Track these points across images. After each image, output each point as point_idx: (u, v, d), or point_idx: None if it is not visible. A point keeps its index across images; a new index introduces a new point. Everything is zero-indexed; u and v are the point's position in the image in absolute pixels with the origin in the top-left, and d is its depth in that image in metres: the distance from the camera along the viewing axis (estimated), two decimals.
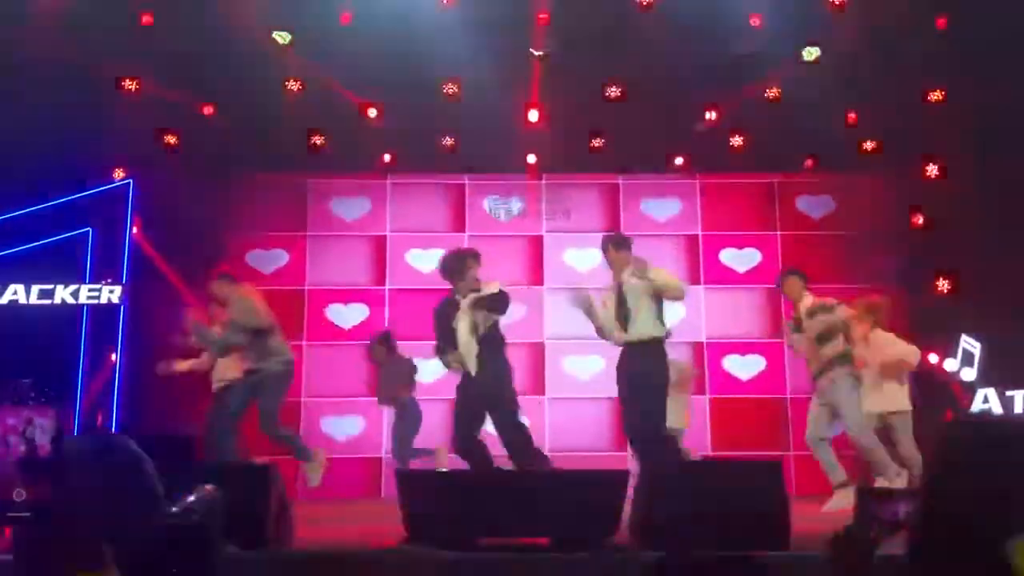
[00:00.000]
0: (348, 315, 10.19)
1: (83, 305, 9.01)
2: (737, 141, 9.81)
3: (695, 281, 10.17)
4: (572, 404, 9.98)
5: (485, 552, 4.31)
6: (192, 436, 8.96)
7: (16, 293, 8.76)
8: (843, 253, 10.09)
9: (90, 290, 8.83)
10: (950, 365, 8.96)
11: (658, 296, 6.24)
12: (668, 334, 6.33)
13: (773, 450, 9.46)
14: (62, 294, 8.82)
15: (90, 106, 8.27)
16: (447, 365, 6.32)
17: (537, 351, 10.02)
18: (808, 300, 7.12)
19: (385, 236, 10.39)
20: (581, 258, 10.26)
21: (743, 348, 10.24)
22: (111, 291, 8.92)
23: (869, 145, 9.72)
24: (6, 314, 8.73)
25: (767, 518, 4.47)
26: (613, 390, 6.56)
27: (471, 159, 10.03)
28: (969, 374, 8.85)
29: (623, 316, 6.28)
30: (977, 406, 8.26)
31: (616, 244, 6.55)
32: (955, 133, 8.91)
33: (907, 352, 7.40)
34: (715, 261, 10.43)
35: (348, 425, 9.98)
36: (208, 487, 1.96)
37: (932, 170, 9.79)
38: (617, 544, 4.58)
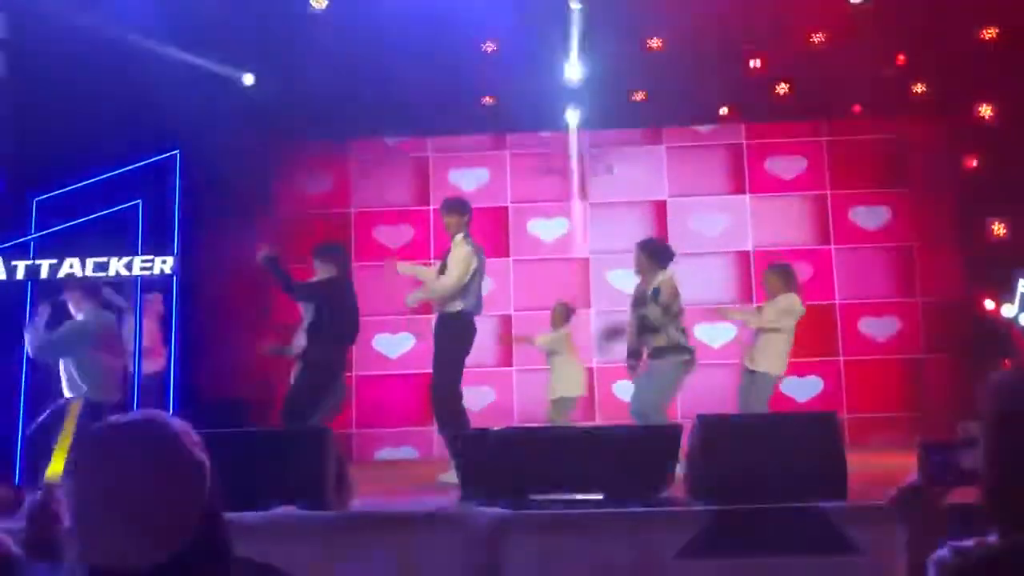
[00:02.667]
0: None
1: (137, 277, 9.17)
2: (782, 89, 9.63)
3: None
4: None
5: (538, 508, 4.35)
6: (246, 402, 9.17)
7: (72, 267, 8.93)
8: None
9: (143, 261, 8.97)
10: (1007, 310, 8.78)
11: None
12: None
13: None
14: (116, 266, 8.97)
15: (136, 79, 8.34)
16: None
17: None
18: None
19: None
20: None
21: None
22: (163, 262, 9.05)
23: (919, 88, 9.47)
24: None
25: (823, 469, 4.45)
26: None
27: (510, 119, 9.96)
28: None
29: None
30: None
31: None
32: (1009, 73, 8.64)
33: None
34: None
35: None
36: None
37: (986, 111, 9.52)
38: (672, 498, 4.59)
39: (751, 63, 9.22)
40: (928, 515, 1.65)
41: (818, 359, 9.80)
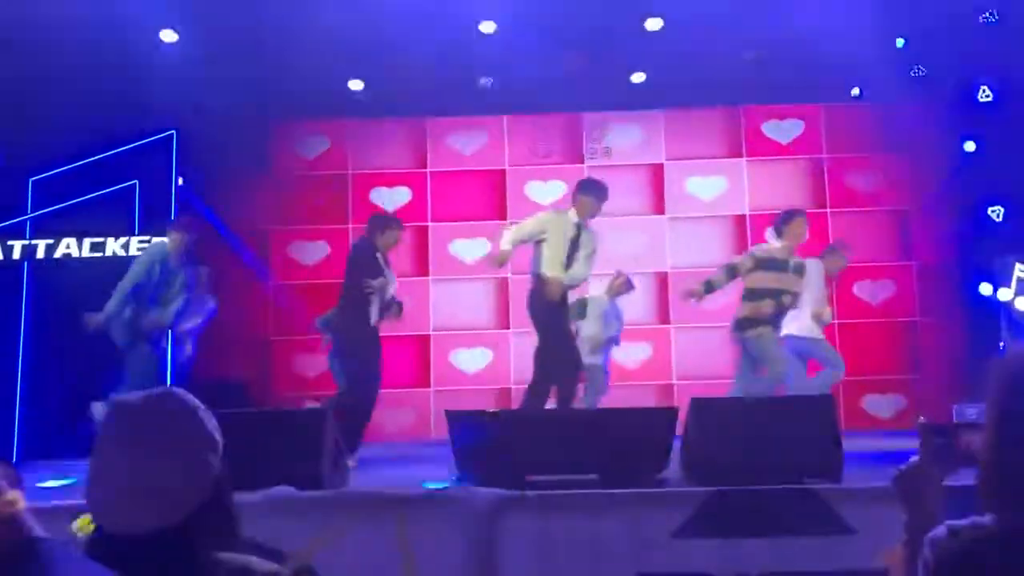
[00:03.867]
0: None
1: (134, 257, 9.16)
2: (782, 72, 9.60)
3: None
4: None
5: (535, 489, 4.37)
6: (244, 382, 9.19)
7: (69, 247, 8.93)
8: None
9: (140, 241, 8.97)
10: (1004, 294, 8.81)
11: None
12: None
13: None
14: (113, 247, 8.97)
15: (132, 58, 8.29)
16: None
17: None
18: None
19: (427, 226, 10.36)
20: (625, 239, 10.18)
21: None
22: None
23: (917, 70, 9.44)
24: (60, 267, 8.91)
25: (819, 451, 4.47)
26: None
27: (510, 100, 9.92)
28: None
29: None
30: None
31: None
32: (1008, 56, 8.63)
33: None
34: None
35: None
36: None
37: (985, 93, 9.51)
38: (667, 479, 4.62)
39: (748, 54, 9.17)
40: (927, 496, 1.66)
41: None
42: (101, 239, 8.96)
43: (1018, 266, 8.74)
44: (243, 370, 9.40)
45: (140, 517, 1.46)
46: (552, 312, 6.29)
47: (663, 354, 9.98)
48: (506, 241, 6.47)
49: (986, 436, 1.44)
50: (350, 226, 10.08)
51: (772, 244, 6.86)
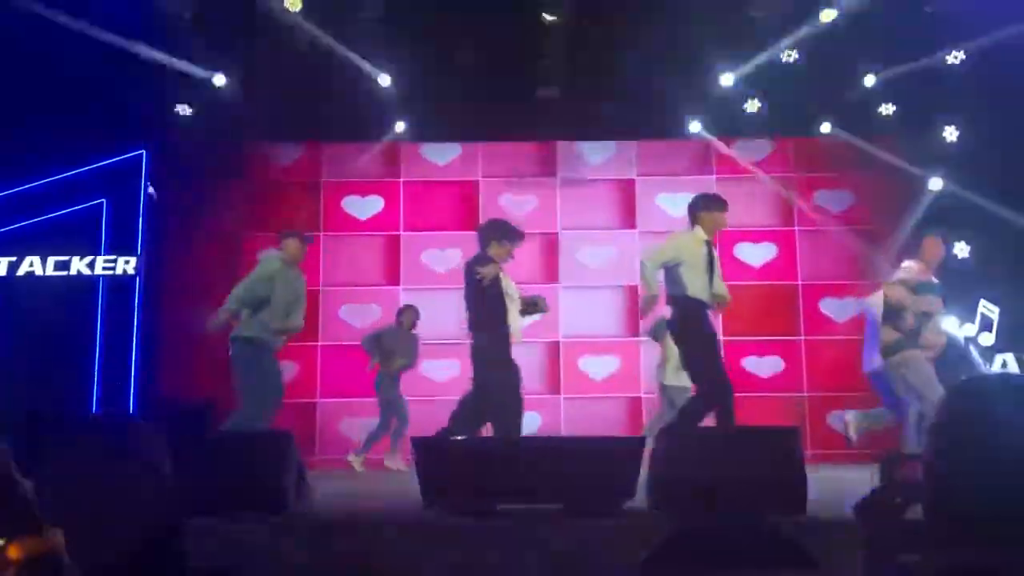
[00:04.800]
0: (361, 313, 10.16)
1: (99, 276, 9.06)
2: (754, 105, 9.74)
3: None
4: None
5: (501, 519, 4.33)
6: (208, 405, 9.06)
7: (32, 265, 8.81)
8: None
9: (106, 261, 8.87)
10: (968, 330, 8.92)
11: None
12: None
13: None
14: (78, 265, 8.87)
15: (104, 77, 8.25)
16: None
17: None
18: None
19: (399, 235, 10.30)
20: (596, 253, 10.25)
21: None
22: (126, 262, 8.95)
23: (886, 109, 9.62)
24: (24, 286, 8.78)
25: (784, 483, 4.47)
26: None
27: (485, 126, 9.96)
28: (987, 339, 8.81)
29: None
30: (995, 370, 8.22)
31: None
32: (973, 95, 8.80)
33: None
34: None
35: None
36: None
37: (950, 133, 9.68)
38: (633, 510, 4.60)
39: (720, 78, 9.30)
40: (887, 529, 1.66)
41: (780, 338, 9.94)
42: (66, 258, 8.86)
43: (983, 303, 8.87)
44: (210, 392, 9.26)
45: (78, 550, 1.41)
46: (706, 335, 6.12)
47: (631, 367, 10.02)
48: (651, 277, 6.00)
49: (923, 468, 1.43)
50: (322, 234, 10.07)
51: (912, 266, 6.68)
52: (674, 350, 7.60)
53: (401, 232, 10.29)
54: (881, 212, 10.07)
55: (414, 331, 8.90)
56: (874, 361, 7.05)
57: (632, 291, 10.12)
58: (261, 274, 6.60)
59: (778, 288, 10.09)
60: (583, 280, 10.17)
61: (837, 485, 5.91)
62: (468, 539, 4.08)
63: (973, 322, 8.90)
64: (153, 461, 1.52)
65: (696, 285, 5.93)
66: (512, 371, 6.20)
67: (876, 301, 7.19)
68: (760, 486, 4.39)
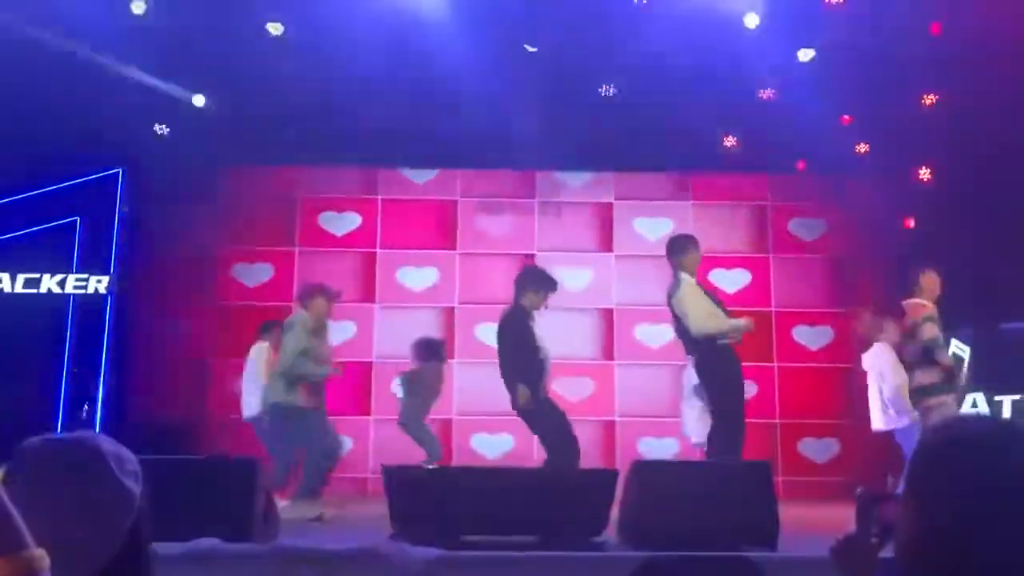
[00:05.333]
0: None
1: (70, 295, 8.95)
2: (730, 141, 9.83)
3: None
4: None
5: (471, 550, 4.28)
6: (179, 427, 8.95)
7: (1, 281, 8.69)
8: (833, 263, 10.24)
9: (77, 280, 8.77)
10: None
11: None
12: None
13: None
14: (48, 283, 8.75)
15: (80, 95, 8.19)
16: None
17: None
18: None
19: (375, 252, 10.29)
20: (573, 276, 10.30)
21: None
22: (98, 281, 8.86)
23: (862, 148, 9.74)
24: None
25: (755, 518, 4.46)
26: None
27: (464, 156, 10.00)
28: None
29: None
30: (965, 410, 8.27)
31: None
32: (947, 137, 8.93)
33: None
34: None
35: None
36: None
37: (924, 174, 9.80)
38: (605, 542, 4.56)
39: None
40: (863, 567, 1.65)
41: (753, 364, 9.93)
42: (36, 275, 8.75)
43: (954, 342, 8.94)
44: (179, 414, 9.15)
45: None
46: (737, 375, 6.15)
47: (606, 390, 10.02)
48: (723, 322, 6.08)
49: (902, 509, 1.42)
50: (296, 249, 10.06)
51: (919, 302, 6.53)
52: None
53: (377, 249, 10.26)
54: (855, 240, 10.19)
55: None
56: (899, 421, 6.96)
57: (607, 314, 10.17)
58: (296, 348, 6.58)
59: (752, 315, 10.13)
60: (559, 303, 10.12)
61: (809, 520, 5.91)
62: (435, 571, 4.03)
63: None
64: (120, 482, 1.49)
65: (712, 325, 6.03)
66: (560, 411, 6.33)
67: (877, 357, 7.19)
68: (732, 521, 4.38)
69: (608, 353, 10.10)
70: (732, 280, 10.25)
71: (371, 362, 9.92)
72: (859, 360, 7.91)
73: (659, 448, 9.85)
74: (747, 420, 6.10)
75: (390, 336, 9.90)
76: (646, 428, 9.92)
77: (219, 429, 9.40)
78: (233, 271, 10.06)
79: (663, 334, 9.67)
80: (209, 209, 9.62)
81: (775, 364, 10.09)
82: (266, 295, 9.88)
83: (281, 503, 5.72)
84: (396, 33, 7.99)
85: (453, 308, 10.09)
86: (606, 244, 10.42)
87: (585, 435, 9.67)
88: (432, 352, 8.43)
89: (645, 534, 4.40)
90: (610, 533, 4.66)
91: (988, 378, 8.64)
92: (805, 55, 8.70)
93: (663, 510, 4.47)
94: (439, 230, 10.32)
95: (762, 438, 9.52)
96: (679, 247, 6.24)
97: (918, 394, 6.39)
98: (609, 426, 9.93)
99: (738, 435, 5.88)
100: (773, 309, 10.21)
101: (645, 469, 4.75)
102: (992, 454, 1.36)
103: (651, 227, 10.42)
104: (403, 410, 8.12)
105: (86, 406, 8.63)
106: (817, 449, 9.99)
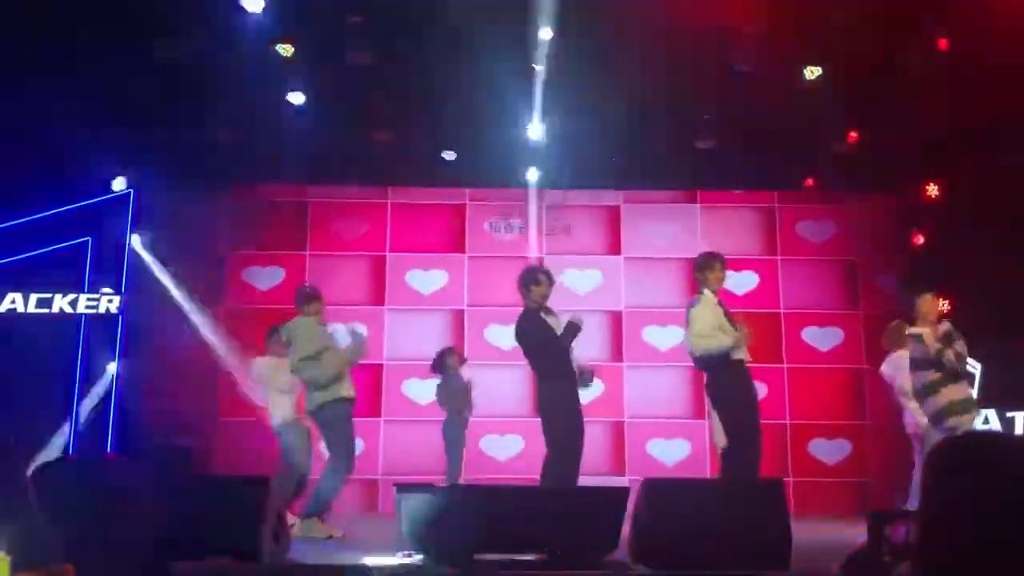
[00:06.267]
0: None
1: (81, 315, 8.99)
2: (737, 159, 9.84)
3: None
4: None
5: (483, 569, 4.27)
6: (190, 447, 8.96)
7: (14, 302, 8.73)
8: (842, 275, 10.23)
9: (89, 299, 8.80)
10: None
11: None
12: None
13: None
14: (60, 303, 8.80)
15: (91, 115, 8.24)
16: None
17: None
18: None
19: (384, 255, 10.36)
20: (581, 278, 10.29)
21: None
22: (110, 301, 8.89)
23: (870, 165, 9.73)
24: (4, 323, 8.70)
25: (768, 537, 4.44)
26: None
27: (471, 176, 10.05)
28: None
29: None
30: (977, 427, 8.22)
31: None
32: (956, 154, 8.92)
33: None
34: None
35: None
36: None
37: (933, 190, 9.79)
38: (616, 562, 4.55)
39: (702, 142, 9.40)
40: None
41: (762, 366, 9.90)
42: (48, 295, 8.79)
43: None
44: (187, 434, 9.15)
45: None
46: (751, 396, 6.08)
47: (615, 391, 10.02)
48: (724, 340, 5.96)
49: (917, 527, 1.42)
50: (307, 253, 10.17)
51: (925, 329, 6.40)
52: None
53: (387, 253, 10.33)
54: (864, 242, 10.22)
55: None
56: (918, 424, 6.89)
57: (616, 316, 10.22)
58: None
59: (761, 316, 10.14)
60: (568, 304, 10.11)
61: (822, 539, 5.88)
62: None
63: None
64: (142, 500, 1.52)
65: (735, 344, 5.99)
66: (580, 418, 6.14)
67: (894, 363, 7.15)
68: (743, 541, 4.36)
69: (617, 355, 10.12)
70: (741, 282, 10.25)
71: (381, 364, 10.00)
72: (869, 360, 7.85)
73: (668, 449, 9.91)
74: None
75: (400, 338, 10.02)
76: (656, 429, 9.94)
77: (225, 453, 9.42)
78: (245, 274, 10.14)
79: (672, 336, 9.77)
80: (221, 215, 9.72)
81: (784, 365, 10.09)
82: (278, 298, 9.94)
83: (290, 519, 5.70)
84: (401, 51, 8.03)
85: (463, 311, 10.16)
86: (614, 247, 10.44)
87: (595, 436, 9.75)
88: (438, 365, 8.52)
89: (657, 553, 4.38)
90: (622, 552, 4.63)
91: (1000, 394, 8.60)
92: (811, 73, 8.69)
93: (675, 529, 4.45)
94: (448, 233, 10.40)
95: (772, 439, 9.46)
96: (704, 263, 6.25)
97: (918, 393, 6.36)
98: (618, 427, 9.95)
99: (753, 454, 5.85)
100: (782, 311, 10.20)
101: (656, 487, 4.73)
102: (1007, 469, 1.36)
103: (659, 230, 10.47)
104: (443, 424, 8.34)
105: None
106: (828, 450, 10.00)
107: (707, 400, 6.68)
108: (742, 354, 6.00)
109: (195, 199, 9.32)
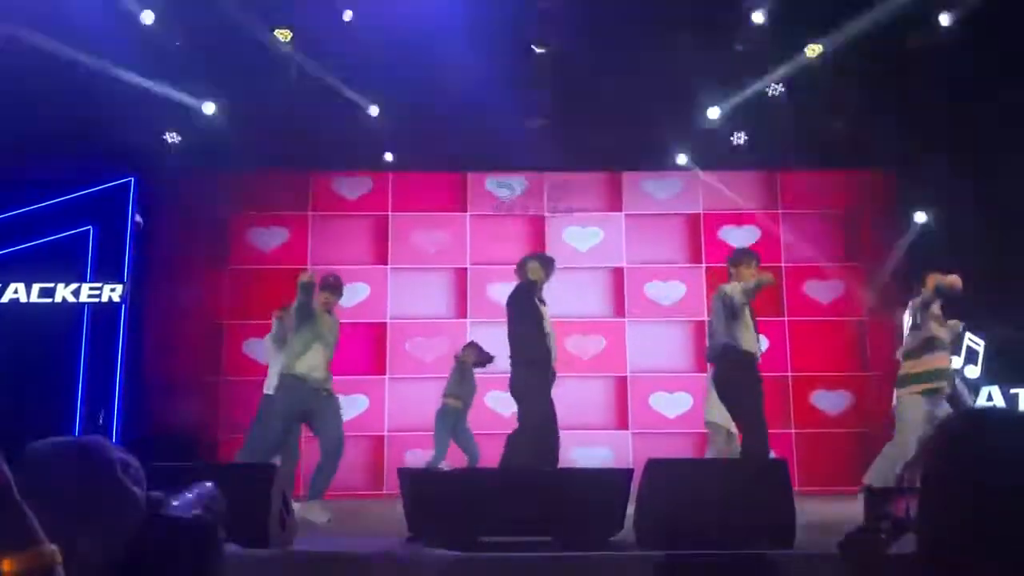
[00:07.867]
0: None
1: (84, 304, 9.00)
2: (740, 138, 9.81)
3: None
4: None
5: (488, 551, 4.29)
6: (194, 435, 8.99)
7: (17, 292, 8.74)
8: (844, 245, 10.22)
9: (91, 288, 8.81)
10: (954, 363, 8.93)
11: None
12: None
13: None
14: (63, 292, 8.80)
15: (92, 103, 8.23)
16: None
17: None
18: None
19: (387, 216, 10.37)
20: (581, 236, 10.28)
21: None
22: (112, 289, 8.90)
23: (872, 143, 9.69)
24: (7, 313, 8.71)
25: (772, 516, 4.45)
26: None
27: (471, 158, 10.03)
28: (973, 371, 8.83)
29: None
30: (981, 403, 8.23)
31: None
32: (960, 132, 8.87)
33: None
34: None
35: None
36: (208, 484, 1.94)
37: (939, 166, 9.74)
38: (621, 542, 4.56)
39: (708, 113, 9.37)
40: (872, 563, 1.64)
41: (764, 319, 9.85)
42: (51, 285, 8.80)
43: (968, 335, 8.90)
44: (192, 422, 9.17)
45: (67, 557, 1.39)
46: (759, 388, 6.09)
47: (617, 347, 10.05)
48: (743, 292, 5.98)
49: (920, 502, 1.42)
50: (309, 213, 10.23)
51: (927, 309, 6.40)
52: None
53: (390, 213, 10.36)
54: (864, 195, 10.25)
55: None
56: None
57: (618, 272, 10.21)
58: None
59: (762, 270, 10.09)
60: (571, 262, 10.08)
61: (826, 516, 5.89)
62: (452, 574, 4.04)
63: (959, 355, 8.93)
64: (128, 486, 1.52)
65: (747, 339, 6.02)
66: (552, 407, 6.21)
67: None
68: (748, 519, 4.37)
69: (619, 310, 10.15)
70: (740, 238, 10.24)
71: (385, 323, 10.09)
72: (870, 312, 7.76)
73: (671, 402, 9.94)
74: (759, 374, 6.08)
75: (403, 297, 10.09)
76: (658, 383, 9.98)
77: (228, 445, 9.41)
78: (248, 235, 10.18)
79: (673, 291, 9.87)
80: (223, 178, 9.74)
81: (785, 318, 10.09)
82: (281, 259, 10.02)
83: (295, 505, 5.69)
84: (402, 34, 8.01)
85: (466, 269, 10.21)
86: (615, 204, 10.45)
87: (597, 392, 9.86)
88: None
89: (661, 533, 4.39)
90: (626, 532, 4.65)
91: (1004, 371, 8.60)
92: (812, 51, 8.66)
93: (679, 509, 4.46)
94: (450, 194, 10.42)
95: (775, 392, 9.49)
96: (737, 258, 6.32)
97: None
98: (621, 382, 10.01)
99: (762, 440, 5.87)
100: (783, 264, 10.17)
101: (660, 467, 4.74)
102: (1013, 443, 1.36)
103: (660, 186, 10.45)
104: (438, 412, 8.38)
105: (102, 413, 8.67)
106: (831, 401, 10.01)
107: (709, 373, 6.70)
108: (753, 347, 6.00)
109: (197, 186, 9.31)
